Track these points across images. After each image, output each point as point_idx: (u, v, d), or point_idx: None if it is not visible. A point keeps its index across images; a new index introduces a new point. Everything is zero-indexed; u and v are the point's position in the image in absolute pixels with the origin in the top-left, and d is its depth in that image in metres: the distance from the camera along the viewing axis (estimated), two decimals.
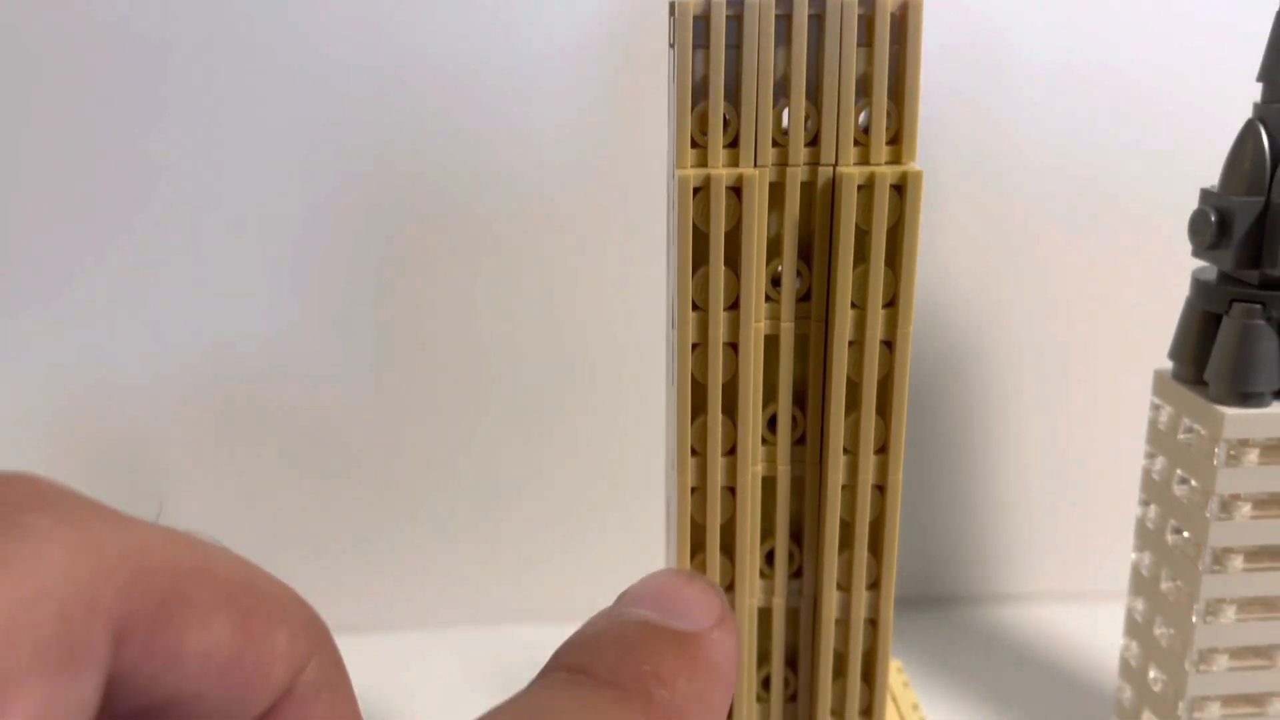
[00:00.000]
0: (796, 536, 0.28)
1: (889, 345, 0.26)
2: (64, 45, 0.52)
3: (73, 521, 0.12)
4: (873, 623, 0.28)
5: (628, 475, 0.59)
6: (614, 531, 0.60)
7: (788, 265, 0.26)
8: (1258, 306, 0.27)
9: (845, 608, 0.28)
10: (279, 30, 0.51)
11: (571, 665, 0.15)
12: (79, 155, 0.52)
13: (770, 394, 0.27)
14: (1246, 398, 0.28)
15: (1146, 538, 0.32)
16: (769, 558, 0.28)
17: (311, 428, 0.57)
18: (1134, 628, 0.33)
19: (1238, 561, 0.29)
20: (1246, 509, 0.28)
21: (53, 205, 0.53)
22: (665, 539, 0.34)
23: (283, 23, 0.51)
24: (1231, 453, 0.28)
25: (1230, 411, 0.27)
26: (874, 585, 0.28)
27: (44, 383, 0.55)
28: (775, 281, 0.26)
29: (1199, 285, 0.29)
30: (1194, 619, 0.29)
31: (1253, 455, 0.28)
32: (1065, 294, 0.58)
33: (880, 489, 0.27)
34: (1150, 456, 0.31)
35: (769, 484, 0.27)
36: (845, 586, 0.28)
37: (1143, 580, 0.32)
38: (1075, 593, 0.63)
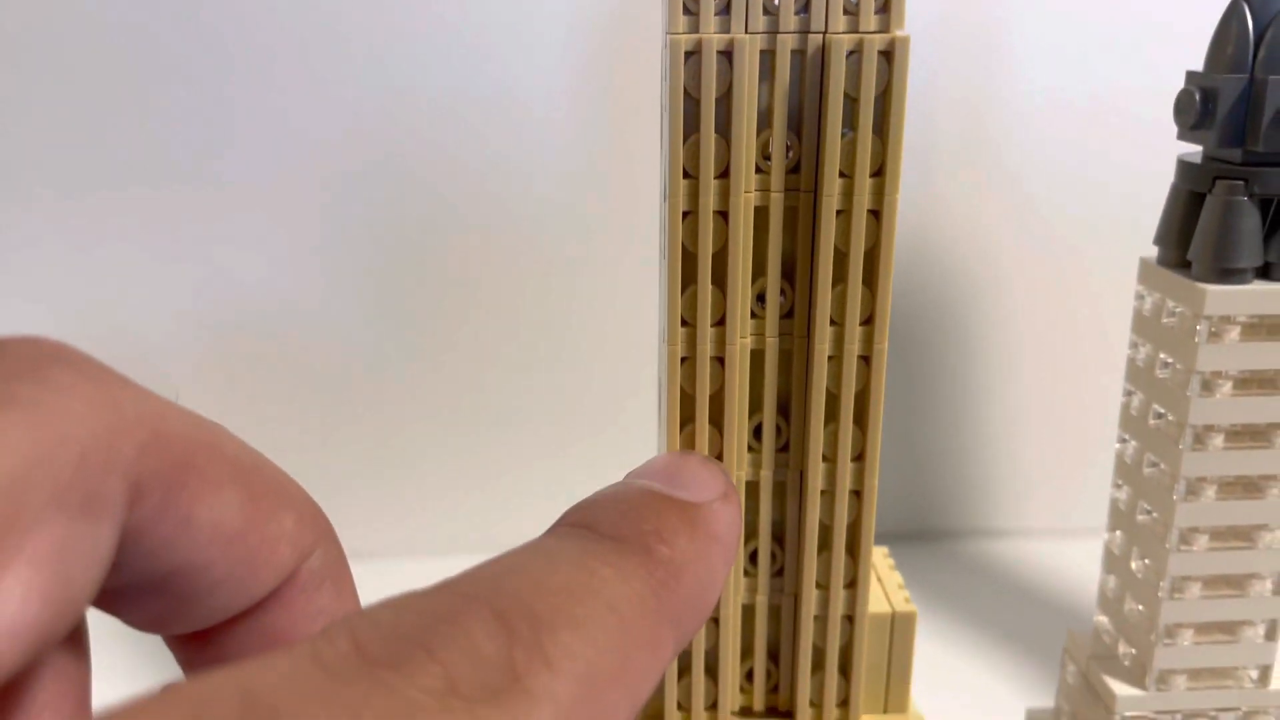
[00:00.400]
0: (784, 410, 0.29)
1: (875, 215, 0.27)
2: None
3: (95, 380, 0.13)
4: (857, 494, 0.29)
5: (620, 404, 0.60)
6: (608, 460, 0.61)
7: (777, 138, 0.26)
8: (1240, 183, 0.27)
9: (830, 479, 0.28)
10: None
11: (575, 521, 0.15)
12: (105, 109, 0.53)
13: (760, 267, 0.27)
14: (1228, 274, 0.28)
15: (1129, 437, 0.32)
16: (756, 432, 0.29)
17: (316, 363, 0.58)
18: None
19: (1218, 440, 0.29)
20: (1227, 387, 0.29)
21: (81, 159, 0.54)
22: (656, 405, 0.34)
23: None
24: (1213, 330, 0.28)
25: (1212, 288, 0.28)
26: (859, 457, 0.28)
27: (61, 317, 0.56)
28: (766, 156, 0.27)
29: (1184, 166, 0.29)
30: (1174, 498, 0.30)
31: (1234, 333, 0.28)
32: (1056, 230, 0.59)
33: (865, 360, 0.28)
34: (1134, 346, 0.32)
35: (757, 358, 0.28)
36: (831, 458, 0.28)
37: (1127, 475, 0.33)
38: (1060, 529, 0.64)
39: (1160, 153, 0.34)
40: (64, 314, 0.56)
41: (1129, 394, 0.32)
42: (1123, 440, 0.33)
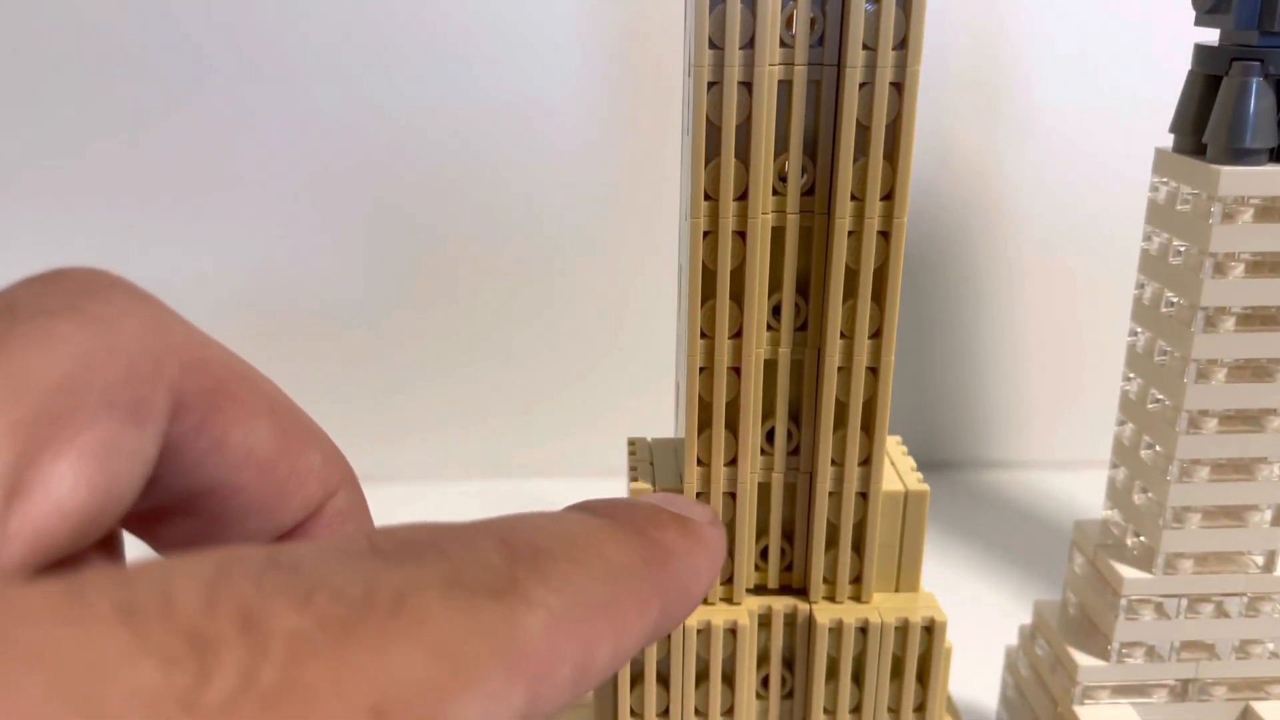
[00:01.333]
0: (802, 289, 0.29)
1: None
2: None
3: (147, 304, 0.14)
4: (874, 371, 0.29)
5: (638, 339, 0.60)
6: (624, 393, 0.61)
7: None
8: (1256, 63, 0.28)
9: (848, 355, 0.29)
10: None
11: (578, 506, 0.17)
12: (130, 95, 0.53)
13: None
14: (1243, 154, 0.28)
15: (1136, 361, 0.33)
16: (776, 312, 0.29)
17: (345, 304, 0.59)
18: (1121, 450, 0.34)
19: (1230, 324, 0.30)
20: (1240, 269, 0.29)
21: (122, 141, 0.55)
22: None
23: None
24: (1227, 212, 0.29)
25: (1226, 169, 0.28)
26: (876, 334, 0.29)
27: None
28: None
29: (1200, 50, 0.30)
30: (1186, 381, 0.30)
31: (1247, 214, 0.29)
32: (1067, 174, 0.59)
33: (885, 235, 0.28)
34: (1148, 238, 0.32)
35: (778, 236, 0.28)
36: (849, 334, 0.29)
37: (1131, 404, 0.33)
38: (1063, 461, 0.64)
39: (1167, 80, 0.35)
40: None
41: (1141, 286, 0.33)
42: (1134, 333, 0.33)
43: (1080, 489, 0.60)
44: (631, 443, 0.33)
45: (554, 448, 0.62)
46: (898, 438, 0.34)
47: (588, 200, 0.58)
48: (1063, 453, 0.64)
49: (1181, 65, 0.31)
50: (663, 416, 0.38)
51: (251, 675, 0.10)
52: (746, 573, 0.31)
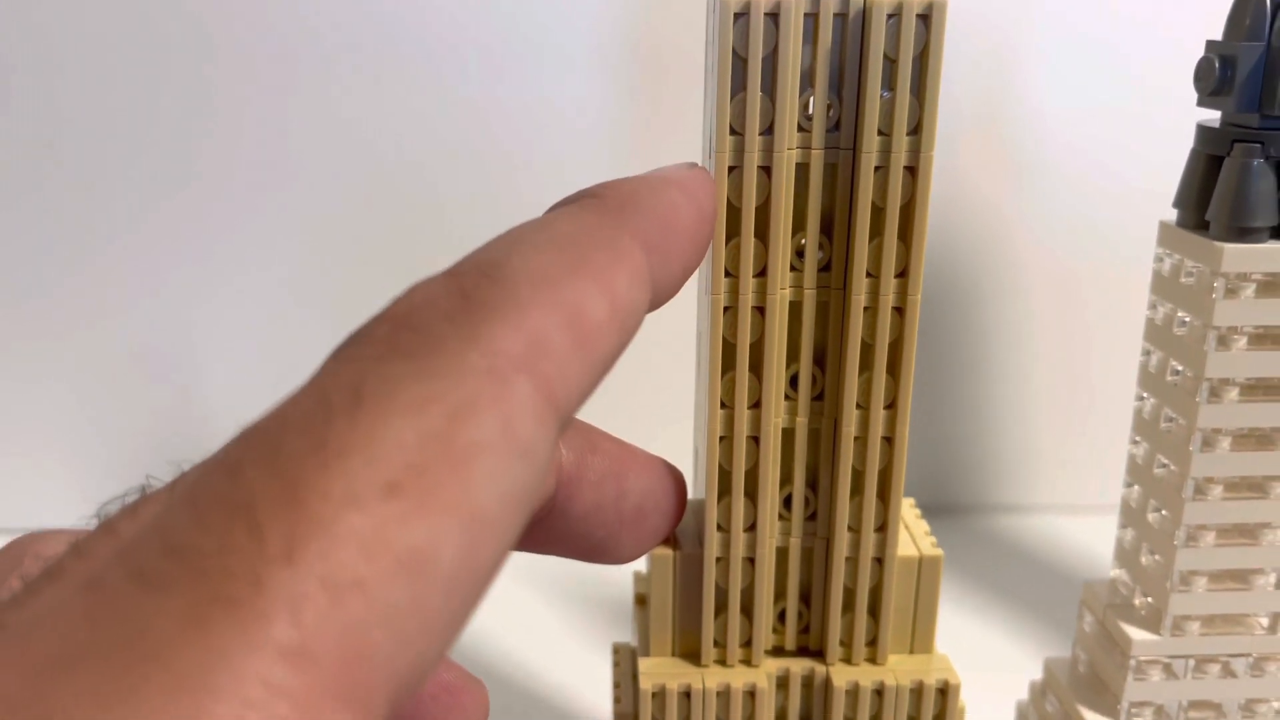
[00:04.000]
0: (820, 360, 0.30)
1: (911, 172, 0.28)
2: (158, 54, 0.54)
3: None
4: (889, 440, 0.30)
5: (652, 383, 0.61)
6: (642, 433, 0.62)
7: (819, 95, 0.28)
8: (1257, 145, 0.29)
9: (864, 426, 0.30)
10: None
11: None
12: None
13: (799, 222, 0.29)
14: (1245, 233, 0.29)
15: (1143, 428, 0.34)
16: (794, 381, 0.30)
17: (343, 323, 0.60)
18: (1129, 512, 0.35)
19: (1233, 395, 0.31)
20: (1242, 343, 0.30)
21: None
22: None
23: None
24: (1229, 287, 0.30)
25: (1229, 246, 0.29)
26: (891, 405, 0.30)
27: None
28: (808, 115, 0.28)
29: (1203, 131, 0.31)
30: (1191, 449, 0.31)
31: (1249, 289, 0.30)
32: (1078, 223, 0.60)
33: (899, 310, 0.29)
34: (1153, 306, 0.33)
35: (796, 309, 0.29)
36: (864, 405, 0.30)
37: (1138, 468, 0.34)
38: (1075, 505, 0.65)
39: (1178, 131, 0.36)
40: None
41: (1147, 353, 0.34)
42: (1141, 398, 0.34)
43: (1091, 534, 0.60)
44: None
45: None
46: (911, 500, 0.35)
47: None
48: (1074, 497, 0.65)
49: (1191, 116, 0.31)
50: (679, 444, 0.39)
51: (262, 553, 0.10)
52: (765, 635, 0.32)
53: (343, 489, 0.11)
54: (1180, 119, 0.33)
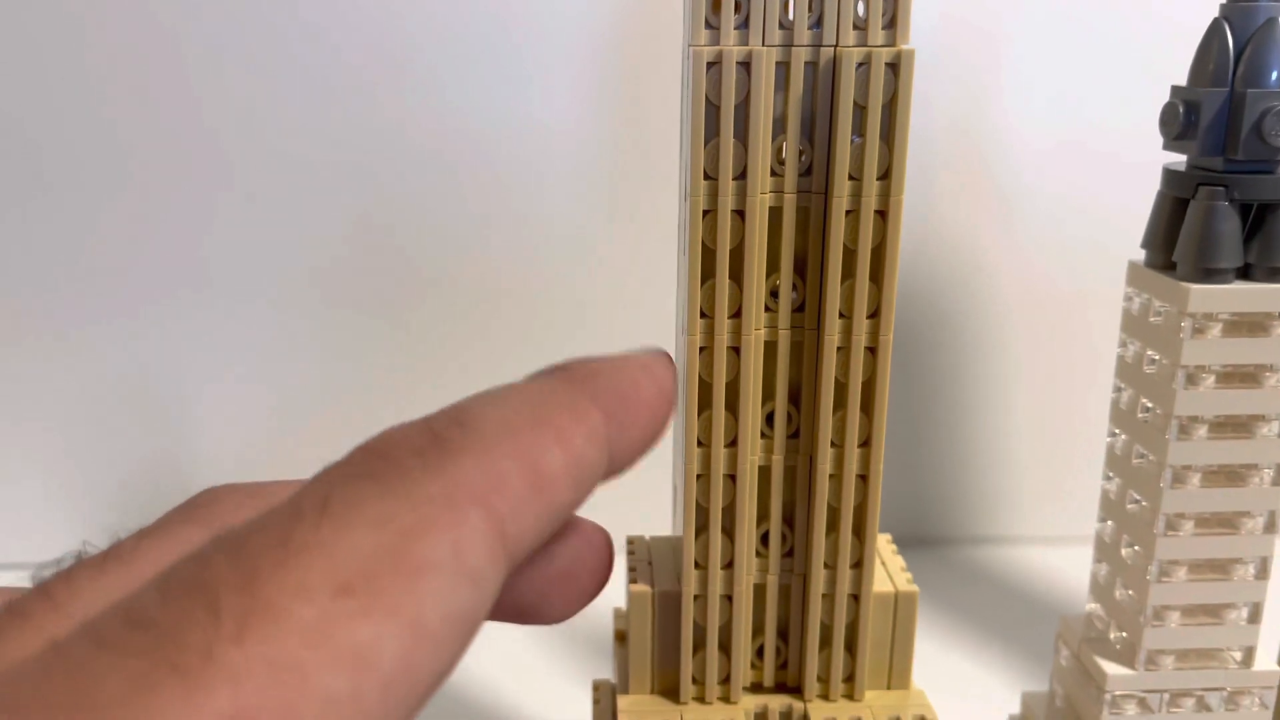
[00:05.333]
0: (795, 399, 0.30)
1: (882, 215, 0.29)
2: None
3: None
4: (863, 478, 0.30)
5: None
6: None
7: (791, 143, 0.28)
8: (1221, 189, 0.30)
9: (838, 463, 0.30)
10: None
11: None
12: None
13: (773, 263, 0.29)
14: (1211, 274, 0.30)
15: (1116, 458, 0.34)
16: (769, 420, 0.30)
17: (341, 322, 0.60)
18: (1103, 547, 0.35)
19: (1202, 431, 0.31)
20: (1210, 381, 0.31)
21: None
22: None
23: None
24: (1197, 327, 0.30)
25: (1196, 287, 0.30)
26: (865, 443, 0.30)
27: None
28: (780, 159, 0.29)
29: (1169, 174, 0.31)
30: (1161, 485, 0.32)
31: (1216, 329, 0.30)
32: (1053, 256, 0.61)
33: (872, 351, 0.29)
34: (1124, 344, 0.34)
35: (770, 349, 0.30)
36: (839, 443, 0.30)
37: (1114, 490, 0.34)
38: (1051, 537, 0.65)
39: (1152, 166, 0.37)
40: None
41: (1119, 390, 0.34)
42: (1113, 434, 0.35)
43: (1068, 566, 0.61)
44: (630, 541, 0.35)
45: None
46: (888, 536, 0.35)
47: (587, 219, 0.59)
48: (1051, 529, 0.66)
49: (1161, 152, 0.32)
50: (663, 507, 0.39)
51: (217, 631, 0.11)
52: (743, 671, 0.32)
53: (297, 582, 0.12)
54: (1153, 155, 0.34)
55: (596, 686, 0.36)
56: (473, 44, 0.55)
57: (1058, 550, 0.64)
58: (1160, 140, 0.32)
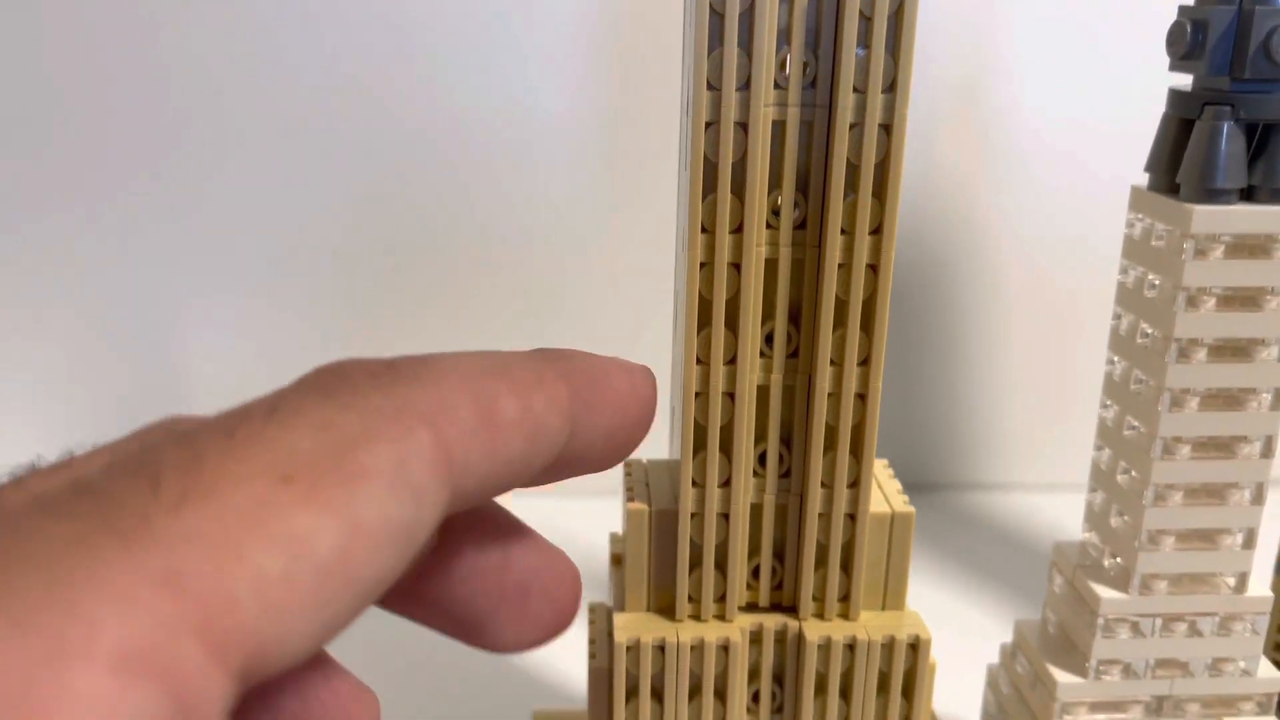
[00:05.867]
0: (794, 318, 0.30)
1: (886, 130, 0.28)
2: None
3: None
4: (862, 397, 0.30)
5: (632, 352, 0.61)
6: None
7: (795, 52, 0.28)
8: (1227, 108, 0.29)
9: (837, 382, 0.30)
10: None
11: None
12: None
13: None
14: (1214, 195, 0.30)
15: (1113, 389, 0.34)
16: (769, 339, 0.30)
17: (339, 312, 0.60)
18: (1099, 475, 0.35)
19: (1202, 355, 0.31)
20: (1211, 304, 0.31)
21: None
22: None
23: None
24: (1199, 249, 0.30)
25: (1199, 208, 0.30)
26: (865, 361, 0.30)
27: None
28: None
29: (1174, 95, 0.31)
30: (1159, 409, 0.32)
31: (1218, 251, 0.30)
32: (1052, 197, 0.61)
33: (873, 268, 0.29)
34: (1124, 271, 0.34)
35: (771, 267, 0.30)
36: (838, 362, 0.30)
37: (1108, 430, 0.34)
38: (1045, 484, 0.66)
39: (1153, 105, 0.36)
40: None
41: (1118, 317, 0.34)
42: (1111, 361, 0.35)
43: (1061, 511, 0.61)
44: (627, 464, 0.35)
45: None
46: (884, 461, 0.35)
47: (583, 211, 0.59)
48: (1045, 476, 0.66)
49: (1164, 85, 0.32)
50: (658, 431, 0.39)
51: (156, 501, 0.12)
52: (739, 591, 0.32)
53: (238, 468, 0.12)
54: (1153, 94, 0.33)
55: (592, 608, 0.36)
56: (472, 26, 0.55)
57: (1053, 496, 0.64)
58: (1164, 73, 0.32)
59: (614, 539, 0.37)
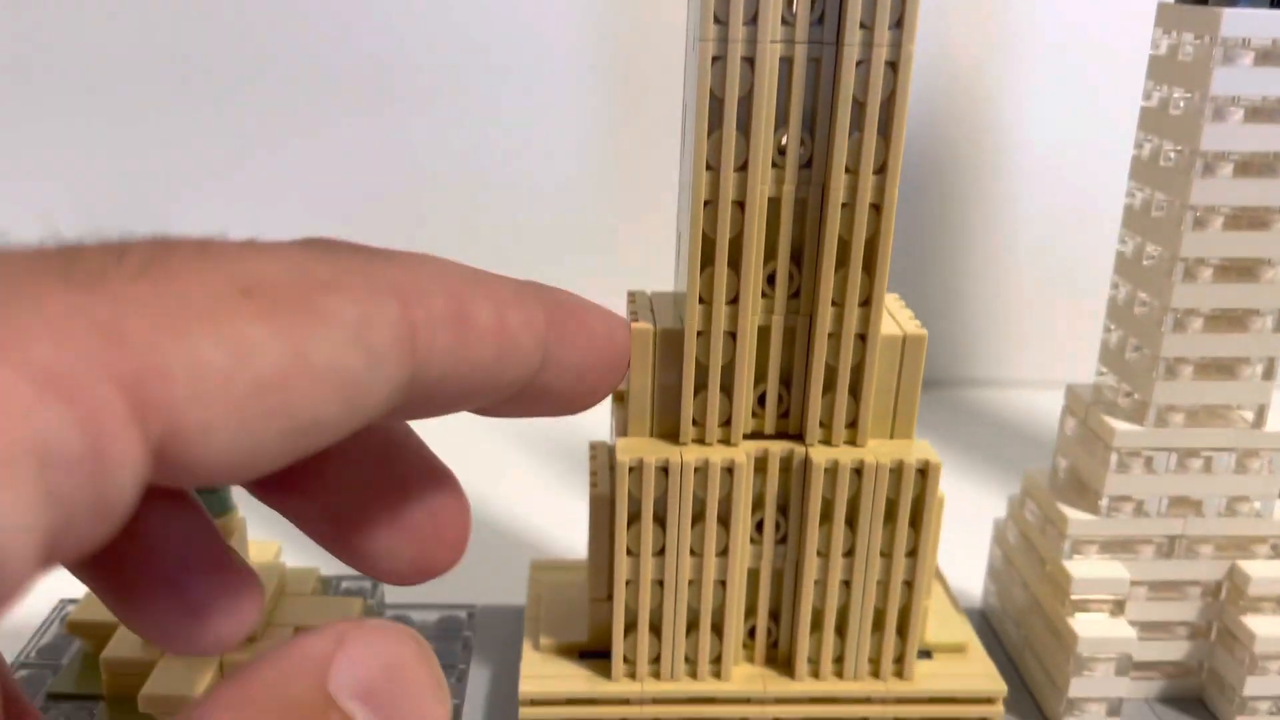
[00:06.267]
0: (809, 124, 0.29)
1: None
2: None
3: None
4: (877, 208, 0.29)
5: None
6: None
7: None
8: None
9: (852, 191, 0.29)
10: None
11: None
12: None
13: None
14: (1241, 1, 0.29)
15: (1133, 219, 0.33)
16: (781, 149, 0.29)
17: None
18: (1115, 310, 0.34)
19: (1227, 169, 0.30)
20: (1239, 115, 0.30)
21: None
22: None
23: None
24: (1228, 56, 0.29)
25: (1229, 10, 0.29)
26: (881, 169, 0.29)
27: None
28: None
29: None
30: (1182, 229, 0.31)
31: (1248, 58, 0.29)
32: (1064, 93, 0.59)
33: (892, 66, 0.28)
34: (1147, 95, 0.33)
35: (786, 67, 0.29)
36: (854, 169, 0.29)
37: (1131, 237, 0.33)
38: (1054, 381, 0.65)
39: None
40: None
41: (1140, 145, 0.33)
42: (1131, 195, 0.33)
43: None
44: (631, 294, 0.34)
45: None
46: (895, 295, 0.34)
47: (586, 197, 0.59)
48: (1049, 373, 0.65)
49: None
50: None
51: (119, 267, 0.12)
52: (744, 416, 0.31)
53: (204, 267, 0.13)
54: None
55: (593, 445, 0.36)
56: (476, 42, 0.55)
57: (1054, 393, 0.63)
58: None
59: None
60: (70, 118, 0.57)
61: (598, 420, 0.34)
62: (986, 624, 0.39)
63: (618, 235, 0.61)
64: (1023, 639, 0.36)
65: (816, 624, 0.33)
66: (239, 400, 0.12)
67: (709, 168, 0.29)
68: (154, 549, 0.16)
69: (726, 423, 0.31)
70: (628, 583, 0.32)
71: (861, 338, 0.31)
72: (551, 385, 0.18)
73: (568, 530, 0.46)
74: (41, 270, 0.12)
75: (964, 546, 0.38)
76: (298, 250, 0.14)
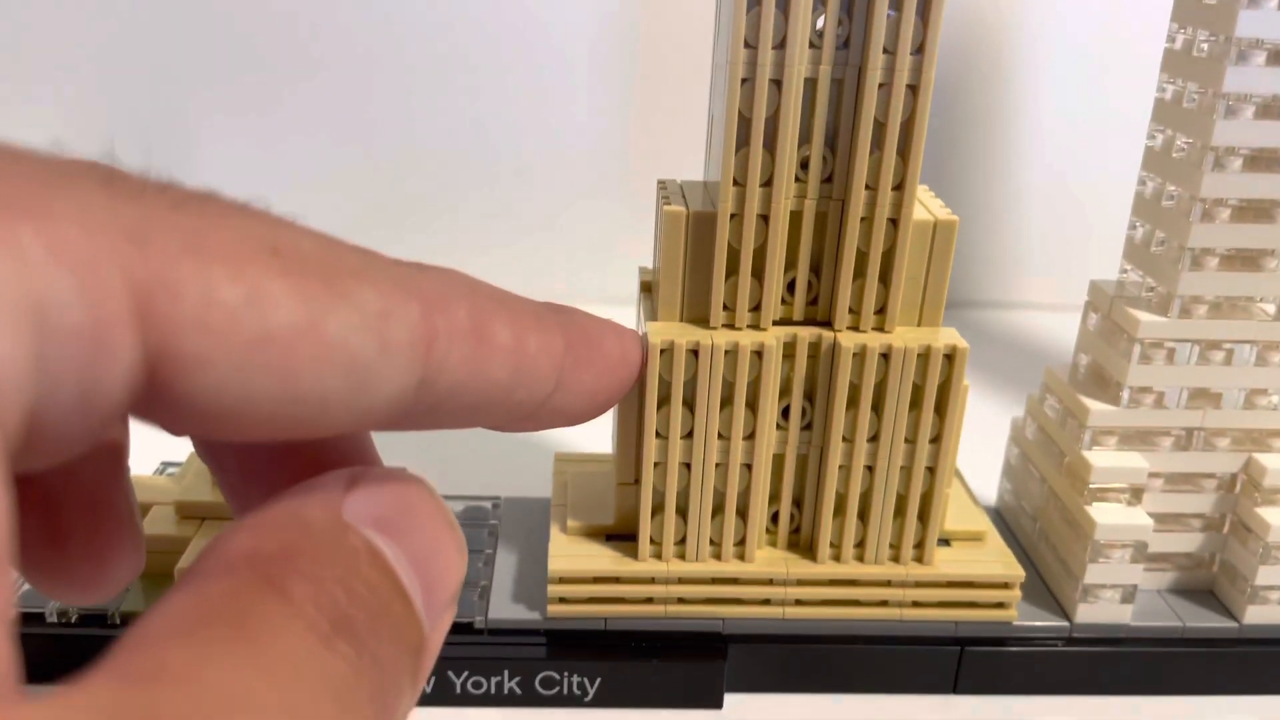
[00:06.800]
0: (846, 5, 0.29)
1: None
2: None
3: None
4: (913, 89, 0.29)
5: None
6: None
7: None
8: None
9: (890, 72, 0.29)
10: None
11: None
12: None
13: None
14: None
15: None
16: (820, 34, 0.29)
17: None
18: (1142, 205, 0.35)
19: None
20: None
21: None
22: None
23: None
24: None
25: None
26: (919, 49, 0.29)
27: None
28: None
29: None
30: (1215, 118, 0.31)
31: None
32: (1082, 20, 0.59)
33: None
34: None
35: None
36: (891, 49, 0.29)
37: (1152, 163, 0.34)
38: (1067, 305, 0.65)
39: None
40: None
41: (1173, 37, 0.33)
42: (1162, 89, 0.34)
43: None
44: (661, 183, 0.34)
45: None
46: (926, 186, 0.35)
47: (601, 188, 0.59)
48: (1065, 298, 0.65)
49: None
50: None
51: (159, 197, 0.12)
52: (774, 301, 0.32)
53: (241, 223, 0.13)
54: None
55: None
56: (489, 32, 0.55)
57: (1068, 316, 0.63)
58: None
59: (642, 270, 0.36)
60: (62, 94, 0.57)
61: None
62: (1001, 521, 0.40)
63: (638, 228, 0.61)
64: (1039, 532, 0.37)
65: (839, 508, 0.33)
66: (240, 344, 0.12)
67: (736, 183, 0.30)
68: (74, 492, 0.16)
69: (756, 308, 0.32)
70: (656, 465, 0.32)
71: (893, 222, 0.31)
72: (560, 407, 0.19)
73: (587, 430, 0.47)
74: (85, 175, 0.12)
75: (978, 456, 0.39)
76: (335, 238, 0.14)
